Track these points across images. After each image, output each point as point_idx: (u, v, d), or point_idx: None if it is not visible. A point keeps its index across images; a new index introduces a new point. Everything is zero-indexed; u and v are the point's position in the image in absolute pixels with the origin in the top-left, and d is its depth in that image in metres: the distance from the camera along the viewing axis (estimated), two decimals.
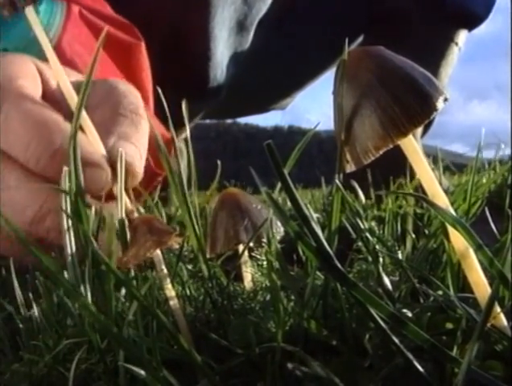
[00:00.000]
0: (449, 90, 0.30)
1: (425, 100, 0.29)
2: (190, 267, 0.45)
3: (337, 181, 0.31)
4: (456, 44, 1.27)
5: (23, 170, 0.42)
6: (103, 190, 0.43)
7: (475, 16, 1.24)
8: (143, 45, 0.68)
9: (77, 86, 0.41)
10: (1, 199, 0.43)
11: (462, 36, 1.28)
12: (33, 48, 0.50)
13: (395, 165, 0.73)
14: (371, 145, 0.29)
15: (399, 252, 0.45)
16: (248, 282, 0.43)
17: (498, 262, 0.28)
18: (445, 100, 0.29)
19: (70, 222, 0.38)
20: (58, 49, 0.56)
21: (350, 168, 0.31)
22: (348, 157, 0.31)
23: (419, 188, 0.34)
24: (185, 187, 0.49)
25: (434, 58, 1.23)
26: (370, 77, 0.30)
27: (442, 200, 0.30)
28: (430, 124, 1.31)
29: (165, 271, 0.37)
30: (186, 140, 0.45)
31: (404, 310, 0.35)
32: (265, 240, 0.41)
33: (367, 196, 0.81)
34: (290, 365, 0.28)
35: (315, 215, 0.46)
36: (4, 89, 0.43)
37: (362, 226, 0.39)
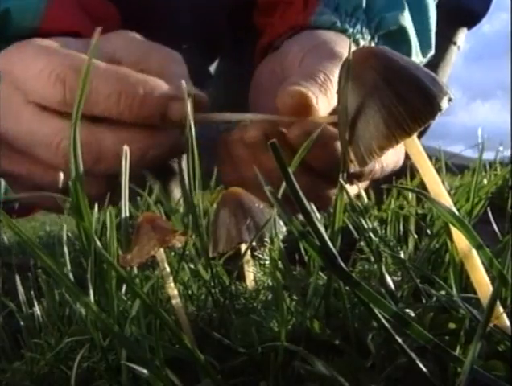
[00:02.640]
0: (452, 90, 0.30)
1: (429, 100, 0.29)
2: (192, 266, 0.45)
3: (341, 180, 0.31)
4: (455, 44, 1.27)
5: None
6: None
7: (472, 13, 1.24)
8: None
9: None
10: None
11: (461, 35, 1.27)
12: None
13: None
14: (375, 145, 0.29)
15: (401, 252, 0.45)
16: (250, 282, 0.43)
17: (500, 263, 0.28)
18: (449, 100, 0.30)
19: None
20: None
21: (354, 168, 0.31)
22: (352, 156, 0.31)
23: (421, 188, 0.34)
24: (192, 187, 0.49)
25: (432, 58, 1.23)
26: (375, 77, 0.30)
27: (445, 200, 0.30)
28: (428, 125, 1.31)
29: (167, 270, 0.37)
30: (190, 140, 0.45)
31: (407, 310, 0.35)
32: (267, 239, 0.41)
33: (367, 197, 0.81)
34: (296, 363, 0.28)
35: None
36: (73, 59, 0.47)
37: (366, 225, 0.39)
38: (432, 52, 0.75)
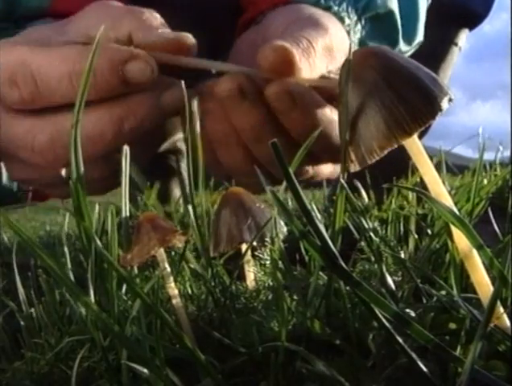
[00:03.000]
0: (452, 90, 0.30)
1: (430, 101, 0.29)
2: (193, 266, 0.45)
3: (342, 180, 0.31)
4: (456, 45, 1.27)
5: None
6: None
7: (474, 15, 1.24)
8: None
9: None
10: None
11: (462, 36, 1.27)
12: None
13: (397, 166, 0.73)
14: (376, 145, 0.29)
15: (402, 252, 0.45)
16: (250, 281, 0.43)
17: (500, 263, 0.28)
18: (450, 100, 0.30)
19: None
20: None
21: (354, 168, 0.31)
22: (353, 156, 0.31)
23: (420, 188, 0.34)
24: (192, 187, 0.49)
25: (432, 60, 1.23)
26: (375, 77, 0.30)
27: (446, 200, 0.30)
28: (428, 126, 1.31)
29: (168, 269, 0.37)
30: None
31: (407, 310, 0.35)
32: (268, 239, 0.41)
33: (368, 197, 0.81)
34: (297, 363, 0.28)
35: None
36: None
37: (366, 225, 0.39)
38: (420, 40, 0.73)
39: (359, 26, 0.60)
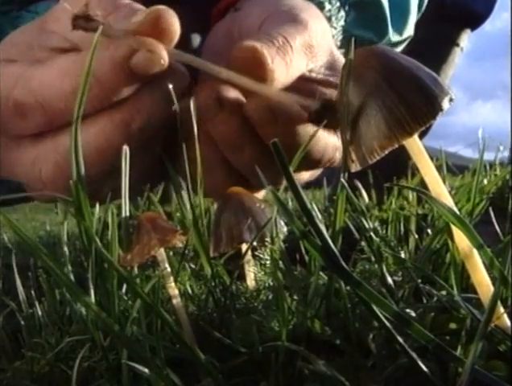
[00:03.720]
0: (453, 90, 0.30)
1: (430, 100, 0.29)
2: (193, 266, 0.45)
3: (343, 180, 0.31)
4: (458, 45, 1.27)
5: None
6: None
7: (476, 15, 1.24)
8: None
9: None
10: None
11: (464, 36, 1.27)
12: None
13: (397, 166, 0.73)
14: (376, 145, 0.29)
15: (402, 252, 0.45)
16: (251, 281, 0.43)
17: (501, 263, 0.28)
18: (450, 100, 0.29)
19: None
20: None
21: (355, 168, 0.31)
22: (353, 156, 0.31)
23: (420, 188, 0.34)
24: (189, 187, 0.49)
25: (434, 60, 1.23)
26: (376, 77, 0.30)
27: (446, 200, 0.30)
28: (429, 126, 1.31)
29: (168, 269, 0.37)
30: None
31: (408, 310, 0.35)
32: (268, 239, 0.41)
33: (368, 197, 0.81)
34: (298, 363, 0.28)
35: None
36: None
37: (367, 225, 0.39)
38: (411, 33, 0.71)
39: (342, 13, 0.58)
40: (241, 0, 0.57)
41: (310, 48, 0.46)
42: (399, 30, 0.68)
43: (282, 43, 0.44)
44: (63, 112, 0.41)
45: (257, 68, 0.42)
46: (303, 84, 0.46)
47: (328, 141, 0.47)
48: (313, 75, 0.48)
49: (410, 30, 0.71)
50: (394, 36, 0.67)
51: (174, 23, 0.41)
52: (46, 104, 0.41)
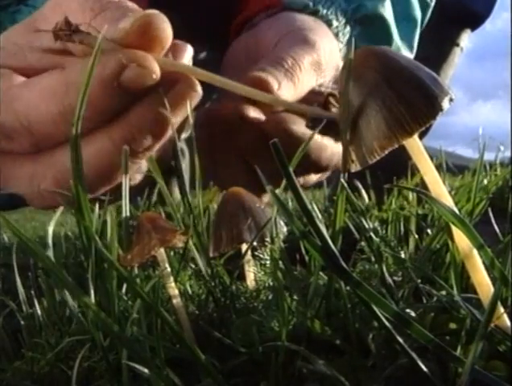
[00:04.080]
0: (453, 90, 0.30)
1: (430, 100, 0.29)
2: (193, 266, 0.45)
3: (343, 180, 0.31)
4: (458, 45, 1.27)
5: None
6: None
7: (476, 15, 1.24)
8: None
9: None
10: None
11: (464, 37, 1.27)
12: None
13: (397, 166, 0.73)
14: (376, 145, 0.29)
15: (402, 252, 0.45)
16: (251, 281, 0.43)
17: (501, 263, 0.28)
18: (450, 100, 0.29)
19: None
20: None
21: (355, 168, 0.31)
22: (354, 156, 0.31)
23: (420, 188, 0.34)
24: (187, 187, 0.49)
25: (434, 60, 1.23)
26: (376, 77, 0.30)
27: (446, 200, 0.30)
28: (429, 126, 1.31)
29: (168, 269, 0.37)
30: (189, 139, 0.45)
31: (407, 310, 0.35)
32: (268, 239, 0.41)
33: (368, 197, 0.81)
34: (298, 363, 0.28)
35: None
36: None
37: (366, 226, 0.39)
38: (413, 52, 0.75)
39: (348, 29, 0.61)
40: (256, 16, 0.62)
41: (319, 66, 0.51)
42: (410, 45, 0.72)
43: (291, 64, 0.49)
44: (52, 134, 0.39)
45: (266, 92, 0.46)
46: (312, 97, 0.50)
47: (334, 150, 0.51)
48: (322, 89, 0.53)
49: (413, 49, 0.74)
50: (405, 52, 0.70)
51: (165, 29, 0.39)
52: (32, 127, 0.39)
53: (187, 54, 0.43)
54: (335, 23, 0.60)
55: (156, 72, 0.38)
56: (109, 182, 0.41)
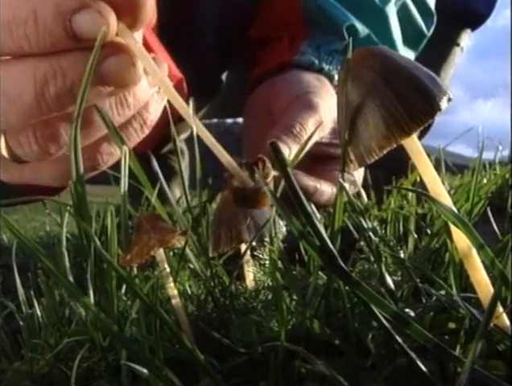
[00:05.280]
0: (454, 88, 0.30)
1: (428, 100, 0.29)
2: (192, 266, 0.45)
3: (341, 180, 0.31)
4: (458, 45, 1.27)
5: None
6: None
7: (477, 15, 1.24)
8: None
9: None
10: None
11: (464, 36, 1.27)
12: None
13: (396, 166, 0.73)
14: (375, 145, 0.29)
15: (401, 251, 0.45)
16: (250, 281, 0.43)
17: (500, 262, 0.28)
18: (449, 100, 0.29)
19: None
20: None
21: (354, 168, 0.31)
22: (352, 156, 0.31)
23: (420, 188, 0.34)
24: (186, 187, 0.49)
25: (434, 60, 1.23)
26: (374, 76, 0.30)
27: (445, 200, 0.30)
28: (429, 125, 1.31)
29: (167, 270, 0.37)
30: (189, 140, 0.45)
31: (407, 310, 0.35)
32: (267, 239, 0.41)
33: (367, 196, 0.81)
34: (296, 363, 0.28)
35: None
36: None
37: (366, 225, 0.39)
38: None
39: None
40: (269, 71, 0.75)
41: (320, 124, 0.63)
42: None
43: (299, 129, 0.62)
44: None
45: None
46: (312, 148, 0.60)
47: (331, 192, 0.63)
48: (322, 140, 0.66)
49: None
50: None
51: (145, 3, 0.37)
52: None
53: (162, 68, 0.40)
54: (336, 77, 0.74)
55: (110, 24, 0.36)
56: (12, 112, 0.37)
